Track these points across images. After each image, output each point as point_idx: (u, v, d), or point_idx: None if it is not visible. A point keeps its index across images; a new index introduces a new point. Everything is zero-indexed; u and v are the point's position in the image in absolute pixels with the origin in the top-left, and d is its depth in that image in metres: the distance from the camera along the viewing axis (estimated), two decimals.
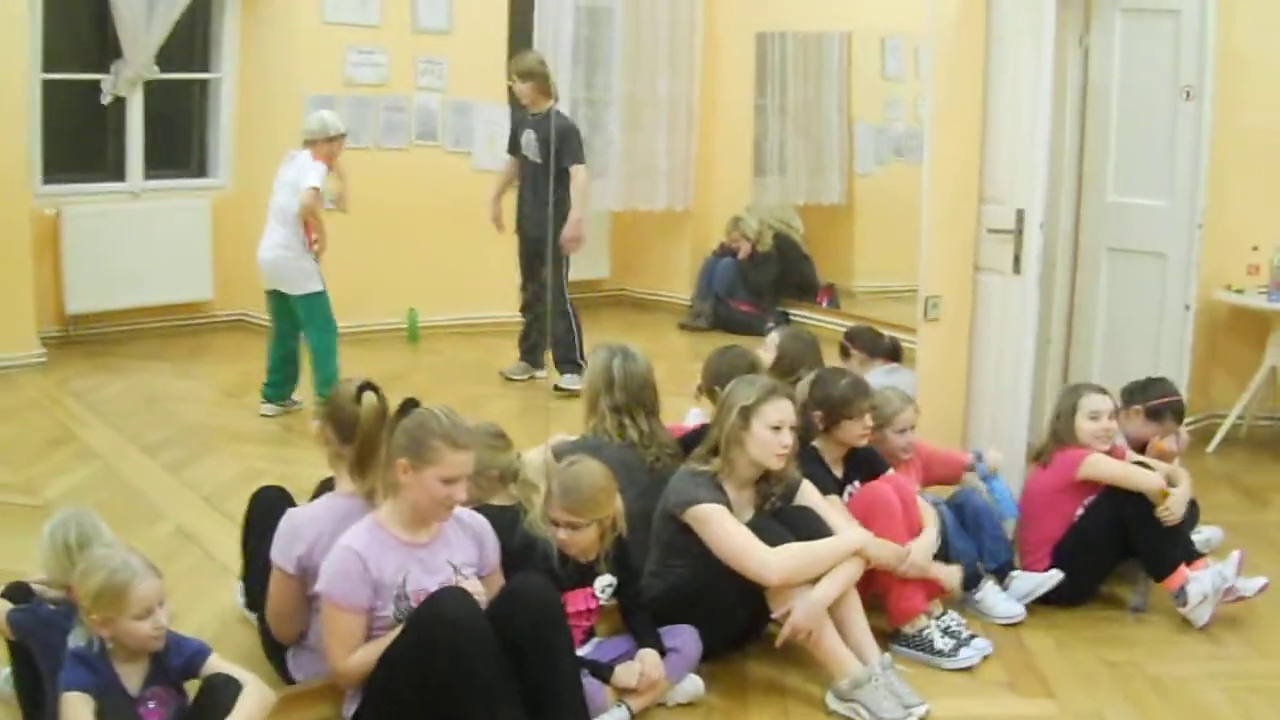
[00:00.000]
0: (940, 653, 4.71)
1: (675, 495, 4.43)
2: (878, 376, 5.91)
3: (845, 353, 6.44)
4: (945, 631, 4.77)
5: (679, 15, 10.97)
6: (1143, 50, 6.69)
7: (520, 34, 10.24)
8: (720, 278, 10.99)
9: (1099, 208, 6.92)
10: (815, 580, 4.32)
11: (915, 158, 11.22)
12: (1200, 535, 5.64)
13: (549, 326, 8.41)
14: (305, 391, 7.57)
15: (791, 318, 10.77)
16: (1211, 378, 7.57)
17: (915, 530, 4.86)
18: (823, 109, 11.56)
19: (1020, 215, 5.71)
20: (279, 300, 7.43)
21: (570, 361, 8.23)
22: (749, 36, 11.16)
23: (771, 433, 4.42)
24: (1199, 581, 5.01)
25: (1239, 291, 7.46)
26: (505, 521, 4.20)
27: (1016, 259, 5.76)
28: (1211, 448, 7.40)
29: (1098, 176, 6.91)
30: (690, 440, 4.95)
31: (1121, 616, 5.20)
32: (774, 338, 6.03)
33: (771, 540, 4.30)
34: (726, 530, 4.30)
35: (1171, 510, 5.11)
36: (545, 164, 8.14)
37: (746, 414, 4.43)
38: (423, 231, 9.68)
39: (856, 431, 5.01)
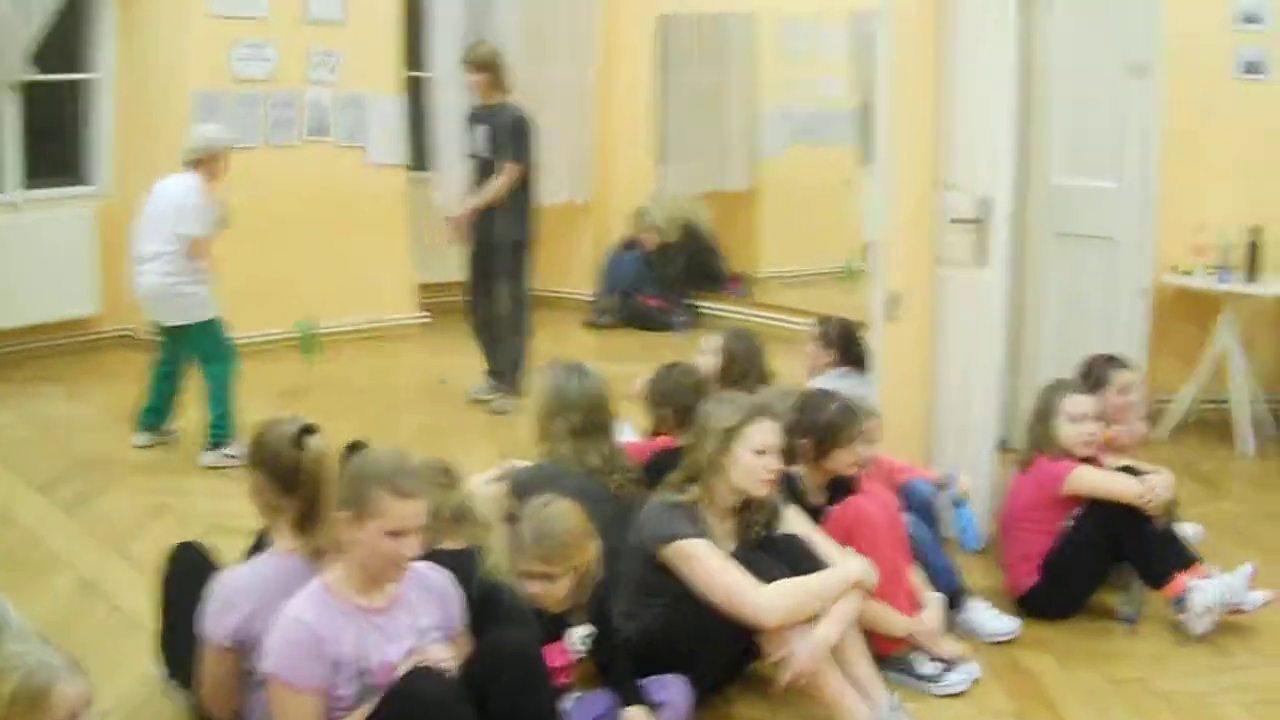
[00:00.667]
0: (925, 678, 4.37)
1: (652, 529, 3.99)
2: (829, 380, 5.55)
3: (827, 343, 5.91)
4: (930, 655, 4.42)
5: None
6: (1087, 25, 6.38)
7: (415, 22, 9.81)
8: (626, 272, 10.62)
9: (1044, 191, 6.60)
10: (813, 617, 3.91)
11: (819, 140, 11.18)
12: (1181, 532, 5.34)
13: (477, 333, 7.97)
14: (187, 421, 6.99)
15: (701, 310, 10.48)
16: (1157, 362, 7.28)
17: (901, 547, 4.50)
18: (726, 93, 11.25)
19: (985, 203, 5.36)
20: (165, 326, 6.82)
21: (498, 373, 7.77)
22: (650, 19, 10.74)
23: (756, 457, 3.99)
24: (1204, 592, 4.71)
25: (1186, 273, 7.22)
26: (463, 568, 3.73)
27: (982, 250, 5.42)
28: (1164, 434, 7.16)
29: (1042, 158, 6.60)
30: (655, 465, 4.53)
31: (1116, 628, 4.89)
32: (715, 341, 5.63)
33: (763, 575, 3.89)
34: (713, 568, 3.87)
35: (1155, 492, 4.84)
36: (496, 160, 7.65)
37: (728, 437, 3.99)
38: (316, 233, 9.18)
39: (847, 460, 4.59)
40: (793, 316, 9.08)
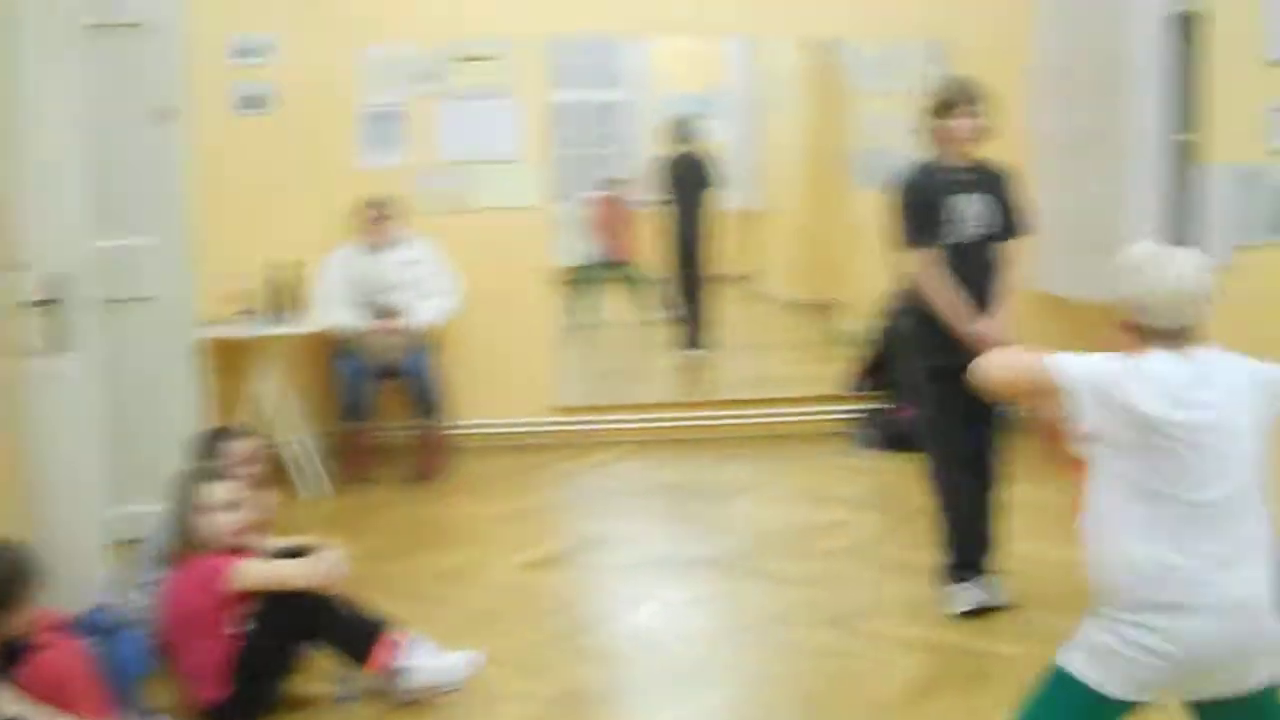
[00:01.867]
0: None
1: None
2: None
3: None
4: None
5: None
6: (110, 71, 5.86)
7: None
8: None
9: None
10: None
11: None
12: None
13: None
14: None
15: None
16: (209, 418, 6.93)
17: (102, 697, 3.87)
18: None
19: (59, 281, 4.71)
20: None
21: None
22: None
23: None
24: (423, 674, 4.57)
25: (219, 322, 6.91)
26: None
27: (60, 334, 4.75)
28: None
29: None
30: None
31: (319, 712, 4.57)
32: None
33: None
34: None
35: (333, 570, 4.58)
36: None
37: None
38: None
39: (23, 620, 3.80)
40: None
